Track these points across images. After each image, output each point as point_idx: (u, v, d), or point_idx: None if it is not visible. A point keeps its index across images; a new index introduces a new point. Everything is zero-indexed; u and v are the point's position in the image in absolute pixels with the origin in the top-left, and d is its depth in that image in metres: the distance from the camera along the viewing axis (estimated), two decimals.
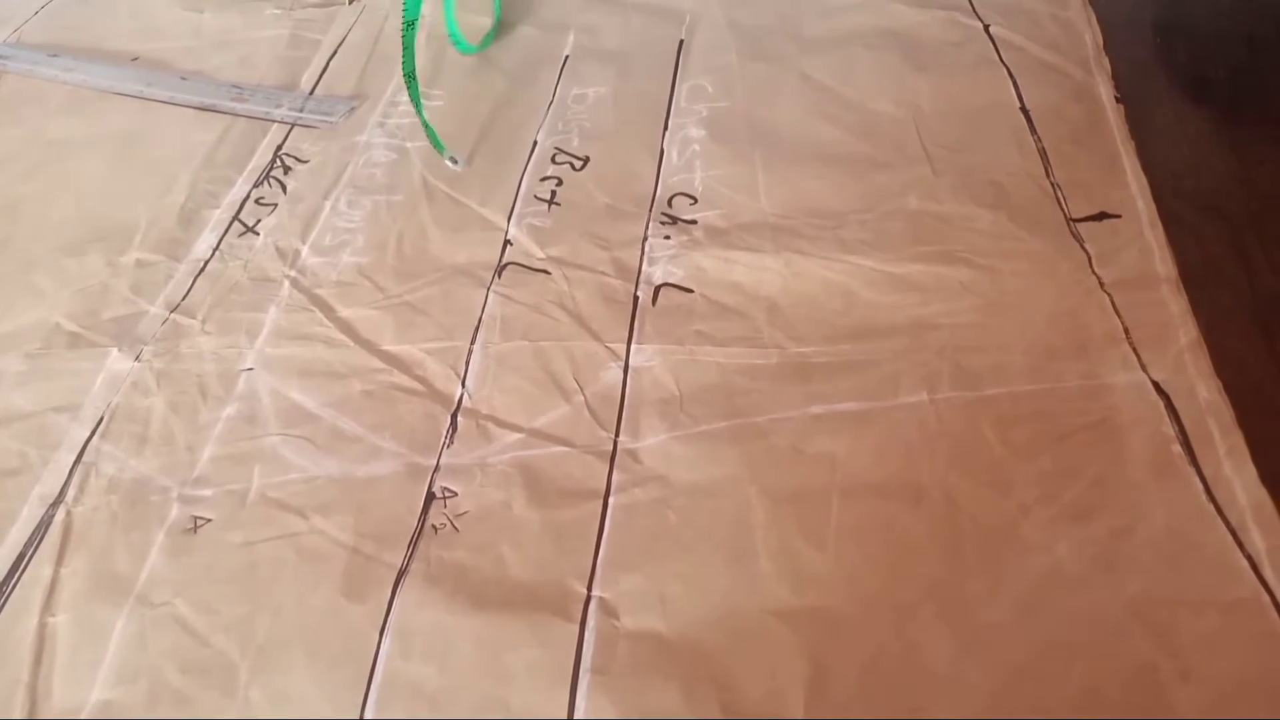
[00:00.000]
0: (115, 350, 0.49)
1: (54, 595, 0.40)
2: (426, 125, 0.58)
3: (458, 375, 0.46)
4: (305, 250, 0.54)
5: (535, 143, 0.60)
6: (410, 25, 0.56)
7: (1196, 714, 0.33)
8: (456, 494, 0.42)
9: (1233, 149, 0.53)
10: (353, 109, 0.64)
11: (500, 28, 0.70)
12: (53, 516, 0.42)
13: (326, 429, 0.45)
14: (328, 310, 0.50)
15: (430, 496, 0.42)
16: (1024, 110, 0.58)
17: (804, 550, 0.38)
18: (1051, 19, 0.65)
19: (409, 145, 0.61)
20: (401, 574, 0.39)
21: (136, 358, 0.49)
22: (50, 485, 0.44)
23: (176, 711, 0.36)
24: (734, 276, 0.50)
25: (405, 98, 0.64)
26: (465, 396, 0.46)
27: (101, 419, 0.46)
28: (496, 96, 0.64)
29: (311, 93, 0.66)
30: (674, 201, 0.55)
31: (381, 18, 0.72)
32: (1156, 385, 0.42)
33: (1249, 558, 0.36)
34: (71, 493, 0.43)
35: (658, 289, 0.50)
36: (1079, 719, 0.33)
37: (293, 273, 0.53)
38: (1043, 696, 0.34)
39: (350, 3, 0.74)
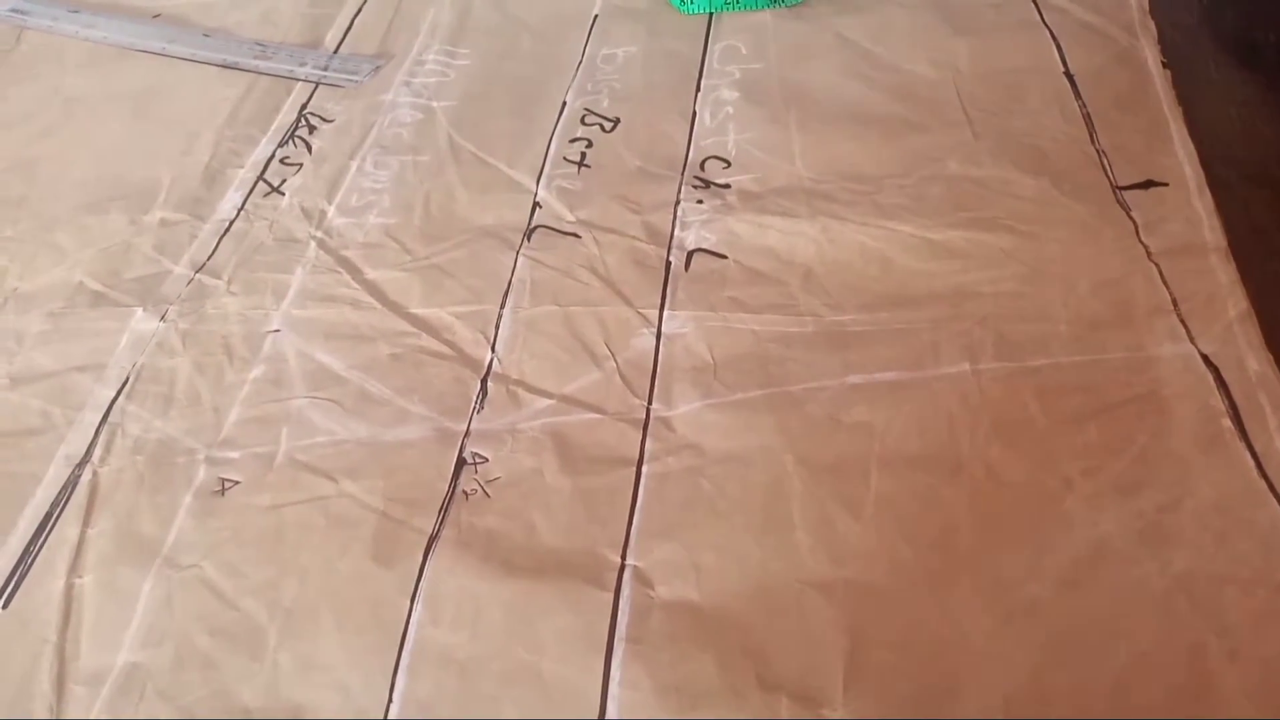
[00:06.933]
0: (140, 310, 0.48)
1: (81, 556, 0.39)
2: None
3: (487, 339, 0.46)
4: (331, 211, 0.53)
5: (564, 103, 0.59)
6: None
7: (1244, 693, 0.32)
8: (487, 459, 0.41)
9: None
10: (378, 68, 0.63)
11: None
12: (79, 477, 0.42)
13: (354, 392, 0.44)
14: (355, 272, 0.49)
15: (461, 462, 0.41)
16: (1068, 74, 0.56)
17: (841, 521, 0.38)
18: None
19: (435, 105, 0.59)
20: (433, 539, 0.38)
21: (161, 318, 0.48)
22: (76, 445, 0.43)
23: (204, 675, 0.36)
24: (768, 242, 0.49)
25: (431, 56, 0.63)
26: (495, 361, 0.45)
27: (127, 379, 0.46)
28: (524, 56, 0.63)
29: (336, 51, 0.65)
30: (706, 165, 0.53)
31: None
32: (1205, 357, 0.41)
33: None
34: (97, 453, 0.43)
35: (690, 254, 0.49)
36: (1123, 696, 0.32)
37: (319, 234, 0.52)
38: (1086, 673, 0.33)
39: None
